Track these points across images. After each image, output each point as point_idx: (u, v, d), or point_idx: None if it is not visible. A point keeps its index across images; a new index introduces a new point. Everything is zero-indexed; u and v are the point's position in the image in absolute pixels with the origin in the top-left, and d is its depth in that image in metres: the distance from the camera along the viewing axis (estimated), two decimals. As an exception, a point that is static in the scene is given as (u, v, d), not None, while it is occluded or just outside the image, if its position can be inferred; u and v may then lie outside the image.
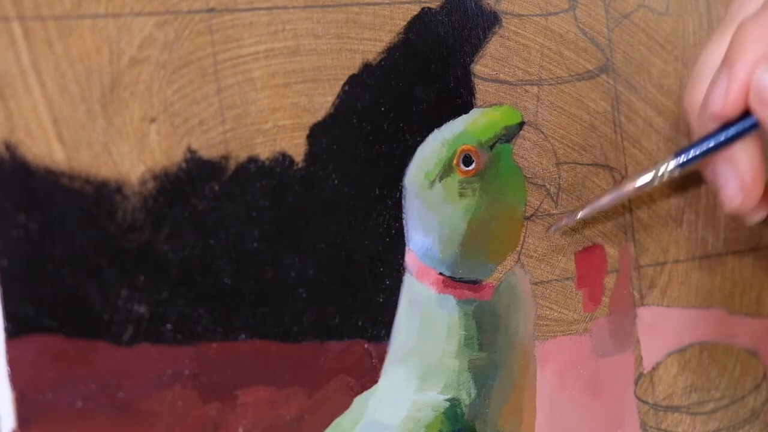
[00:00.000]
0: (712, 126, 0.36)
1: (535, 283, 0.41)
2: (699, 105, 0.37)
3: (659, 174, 0.37)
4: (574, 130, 0.42)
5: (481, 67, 0.40)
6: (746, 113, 0.35)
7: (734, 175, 0.36)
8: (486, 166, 0.39)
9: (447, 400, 0.38)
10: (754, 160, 0.35)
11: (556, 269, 0.41)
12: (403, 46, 0.38)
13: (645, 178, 0.38)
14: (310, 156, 0.36)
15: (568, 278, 0.41)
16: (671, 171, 0.37)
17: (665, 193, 0.42)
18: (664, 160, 0.37)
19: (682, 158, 0.37)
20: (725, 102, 0.34)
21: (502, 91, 0.40)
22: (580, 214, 0.39)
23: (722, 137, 0.35)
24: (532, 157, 0.41)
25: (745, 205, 0.36)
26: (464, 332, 0.38)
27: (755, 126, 0.35)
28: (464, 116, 0.39)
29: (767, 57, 0.33)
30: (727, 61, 0.34)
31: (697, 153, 0.36)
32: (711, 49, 0.38)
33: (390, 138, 0.38)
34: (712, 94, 0.34)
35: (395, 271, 0.37)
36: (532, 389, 0.40)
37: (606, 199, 0.39)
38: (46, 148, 0.32)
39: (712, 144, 0.36)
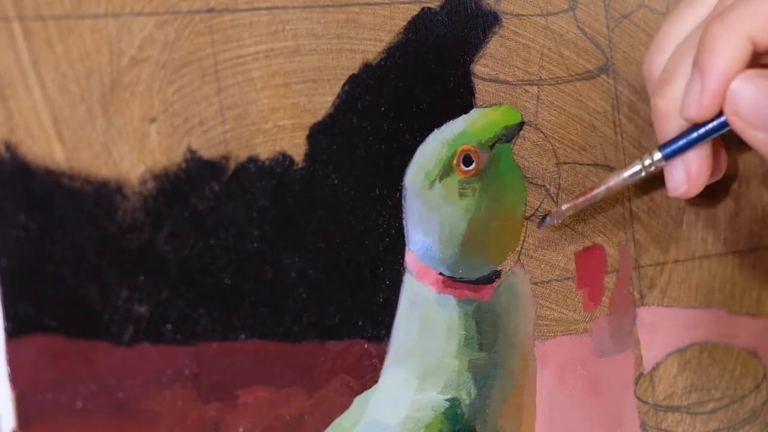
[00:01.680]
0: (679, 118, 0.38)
1: (535, 283, 0.41)
2: (656, 74, 0.39)
3: (645, 165, 0.38)
4: (574, 130, 0.42)
5: (481, 67, 0.40)
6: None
7: (682, 167, 0.38)
8: (486, 166, 0.39)
9: (447, 400, 0.38)
10: (702, 156, 0.38)
11: (556, 269, 0.41)
12: (403, 46, 0.38)
13: (633, 169, 0.39)
14: (310, 156, 0.36)
15: (568, 278, 0.41)
16: (657, 161, 0.38)
17: (665, 193, 0.42)
18: (650, 152, 0.38)
19: (667, 150, 0.38)
20: (699, 109, 0.36)
21: (502, 91, 0.40)
22: (565, 207, 0.39)
23: (702, 132, 0.37)
24: (532, 157, 0.41)
25: (687, 194, 0.39)
26: (464, 332, 0.38)
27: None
28: (464, 116, 0.39)
29: (738, 63, 0.35)
30: (697, 66, 0.36)
31: (681, 144, 0.38)
32: (674, 21, 0.39)
33: (390, 138, 0.38)
34: (687, 99, 0.36)
35: (395, 271, 0.37)
36: (532, 389, 0.40)
37: (598, 191, 0.39)
38: (46, 148, 0.32)
39: (694, 136, 0.37)
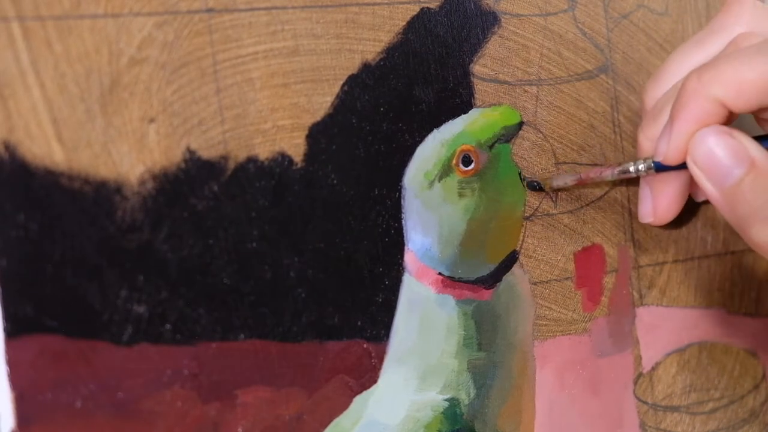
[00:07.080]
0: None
1: (535, 283, 0.41)
2: (650, 106, 0.40)
3: (639, 168, 0.39)
4: (573, 130, 0.42)
5: (480, 67, 0.40)
6: None
7: (650, 199, 0.40)
8: (485, 166, 0.39)
9: (446, 399, 0.38)
10: (671, 192, 0.40)
11: (555, 269, 0.41)
12: (402, 46, 0.38)
13: (628, 167, 0.39)
14: (309, 156, 0.36)
15: (567, 278, 0.41)
16: (649, 169, 0.39)
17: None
18: (644, 159, 0.39)
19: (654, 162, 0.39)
20: (666, 157, 0.37)
21: (501, 91, 0.40)
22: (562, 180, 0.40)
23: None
24: (531, 157, 0.41)
25: (654, 224, 0.41)
26: (463, 332, 0.39)
27: None
28: (463, 116, 0.39)
29: (704, 123, 0.36)
30: (671, 117, 0.37)
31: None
32: (680, 54, 0.40)
33: (389, 138, 0.38)
34: (658, 145, 0.38)
35: (394, 271, 0.38)
36: (531, 389, 0.40)
37: (605, 173, 0.40)
38: (46, 148, 0.32)
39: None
